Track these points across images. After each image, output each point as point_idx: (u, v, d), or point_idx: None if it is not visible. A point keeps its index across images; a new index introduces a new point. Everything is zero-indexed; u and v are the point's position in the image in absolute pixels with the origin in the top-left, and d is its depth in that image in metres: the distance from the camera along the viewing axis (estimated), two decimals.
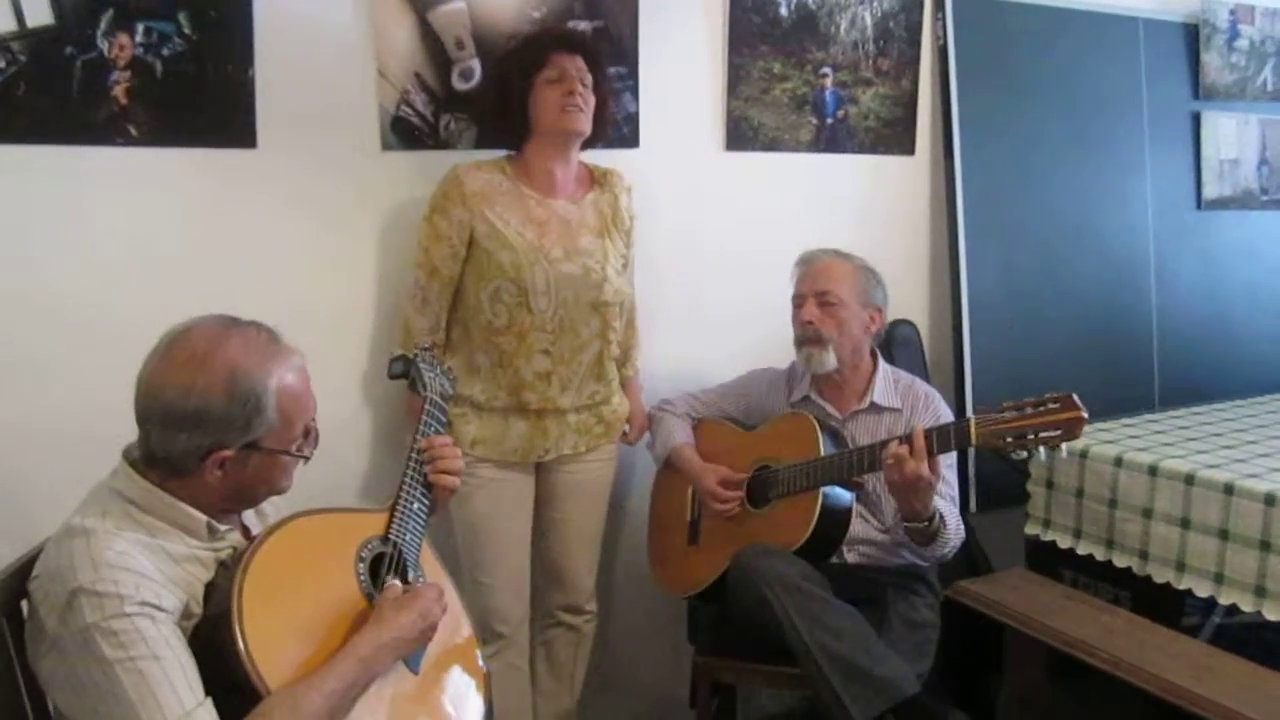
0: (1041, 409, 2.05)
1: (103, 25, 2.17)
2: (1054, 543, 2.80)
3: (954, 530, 2.29)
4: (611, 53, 2.67)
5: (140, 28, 2.20)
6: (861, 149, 3.07)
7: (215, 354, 1.47)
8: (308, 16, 2.37)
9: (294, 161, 2.39)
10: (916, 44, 3.07)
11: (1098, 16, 3.28)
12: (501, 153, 2.45)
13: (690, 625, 2.70)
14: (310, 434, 1.60)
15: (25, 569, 1.49)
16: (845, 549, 2.38)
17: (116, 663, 1.33)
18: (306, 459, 1.60)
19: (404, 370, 1.99)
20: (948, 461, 2.37)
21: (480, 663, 1.75)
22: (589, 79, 2.35)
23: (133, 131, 2.23)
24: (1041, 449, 2.05)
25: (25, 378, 2.16)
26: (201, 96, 2.28)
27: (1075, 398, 2.03)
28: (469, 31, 2.51)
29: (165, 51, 2.23)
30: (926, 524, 2.21)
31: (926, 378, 3.07)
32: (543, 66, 2.33)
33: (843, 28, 2.96)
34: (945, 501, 2.31)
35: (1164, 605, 2.60)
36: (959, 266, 3.09)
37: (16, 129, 2.13)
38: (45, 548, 1.47)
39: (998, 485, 3.06)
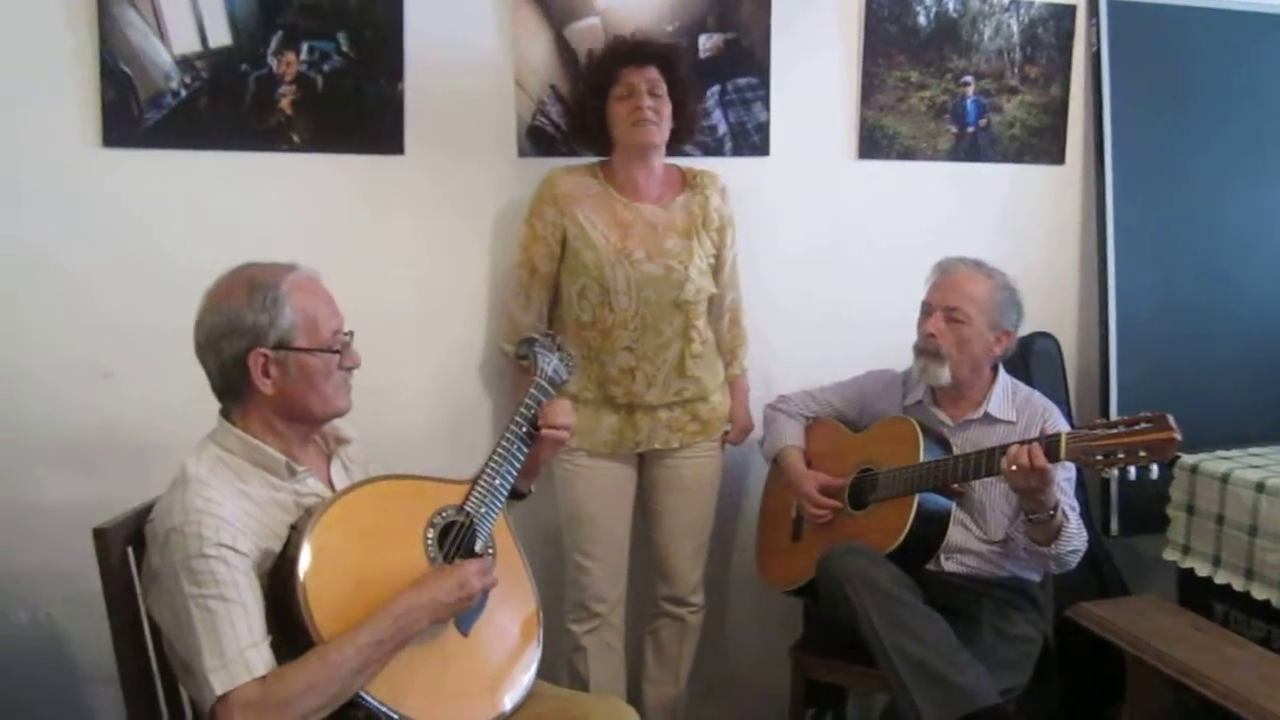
0: (1134, 428, 1.99)
1: (273, 45, 2.45)
2: (1204, 574, 2.66)
3: (1076, 528, 2.24)
4: (743, 63, 2.77)
5: (305, 46, 2.47)
6: (1006, 158, 3.02)
7: (236, 277, 1.72)
8: (453, 35, 2.58)
9: (438, 167, 2.61)
10: (1067, 50, 3.00)
11: (1263, 17, 3.09)
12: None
13: (806, 626, 2.74)
14: (345, 346, 1.77)
15: (145, 511, 1.74)
16: (943, 557, 2.36)
17: (191, 598, 1.54)
18: (343, 364, 1.76)
19: (524, 353, 2.14)
20: (1065, 475, 2.32)
21: (538, 636, 1.86)
22: (661, 88, 2.44)
23: (295, 139, 2.50)
24: (1132, 469, 1.99)
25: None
26: (356, 108, 2.53)
27: (1169, 418, 1.96)
28: (600, 45, 2.64)
29: (326, 68, 2.49)
30: (1049, 516, 2.18)
31: (1066, 393, 3.00)
32: (614, 83, 2.44)
33: (986, 35, 2.93)
34: (1066, 498, 2.27)
35: None
36: (1107, 279, 2.99)
37: (197, 137, 2.43)
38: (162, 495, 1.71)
39: (1144, 508, 2.93)
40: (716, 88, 2.76)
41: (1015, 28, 2.95)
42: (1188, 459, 2.68)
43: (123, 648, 1.71)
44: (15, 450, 2.39)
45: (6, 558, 2.40)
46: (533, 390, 2.01)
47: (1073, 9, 2.99)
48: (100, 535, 1.69)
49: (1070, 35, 2.99)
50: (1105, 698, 2.76)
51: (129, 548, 1.74)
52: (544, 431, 1.97)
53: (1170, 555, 2.73)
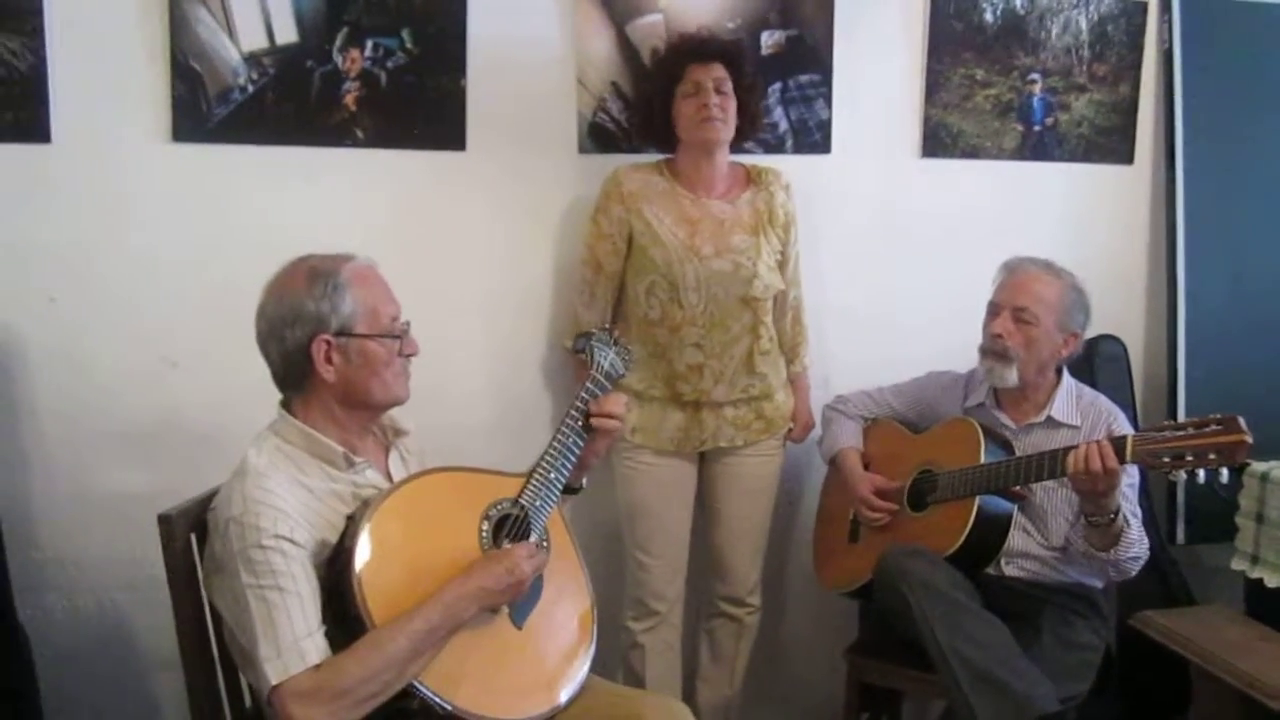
0: (1204, 430, 1.95)
1: (338, 41, 2.48)
2: (1274, 585, 2.58)
3: (1137, 535, 2.20)
4: (805, 60, 2.75)
5: (369, 43, 2.50)
6: (1073, 157, 2.97)
7: (296, 267, 1.75)
8: (516, 31, 2.60)
9: (499, 163, 2.62)
10: (1138, 48, 2.93)
11: None
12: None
13: (861, 629, 2.71)
14: (404, 333, 1.79)
15: (208, 499, 1.77)
16: (1004, 561, 2.33)
17: (249, 588, 1.57)
18: (403, 351, 1.78)
19: (581, 347, 2.14)
20: (1128, 480, 2.27)
21: (592, 631, 1.86)
22: (727, 85, 2.42)
23: (359, 134, 2.53)
24: (1201, 472, 1.95)
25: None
26: (419, 104, 2.55)
27: (1240, 420, 1.91)
28: (664, 42, 2.63)
29: (390, 64, 2.52)
30: (1109, 520, 2.14)
31: (1132, 397, 2.94)
32: (679, 80, 2.43)
33: (1054, 33, 2.88)
34: (1129, 503, 2.23)
35: None
36: (1176, 282, 2.92)
37: (263, 132, 2.47)
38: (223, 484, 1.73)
39: (1210, 517, 2.86)
40: (778, 85, 2.75)
41: (1084, 25, 2.90)
42: (1258, 466, 2.60)
43: (185, 634, 1.74)
44: (81, 439, 2.44)
45: (73, 545, 2.47)
46: (588, 384, 2.01)
47: (1144, 5, 2.92)
48: (165, 522, 1.72)
49: (1141, 32, 2.93)
50: (1168, 708, 2.70)
51: (192, 534, 1.77)
52: (593, 420, 1.96)
53: (1238, 565, 2.65)
